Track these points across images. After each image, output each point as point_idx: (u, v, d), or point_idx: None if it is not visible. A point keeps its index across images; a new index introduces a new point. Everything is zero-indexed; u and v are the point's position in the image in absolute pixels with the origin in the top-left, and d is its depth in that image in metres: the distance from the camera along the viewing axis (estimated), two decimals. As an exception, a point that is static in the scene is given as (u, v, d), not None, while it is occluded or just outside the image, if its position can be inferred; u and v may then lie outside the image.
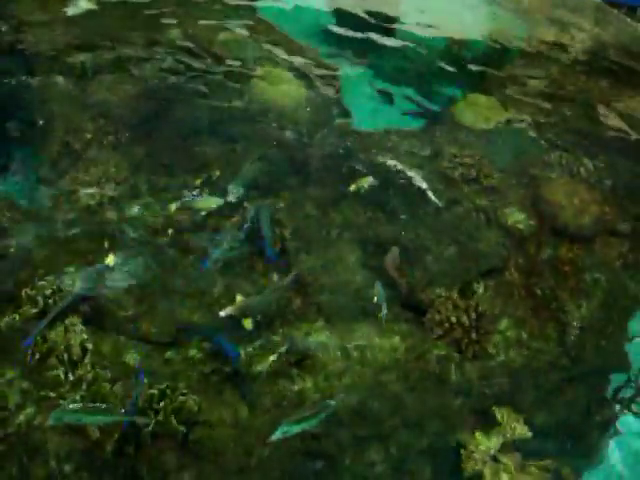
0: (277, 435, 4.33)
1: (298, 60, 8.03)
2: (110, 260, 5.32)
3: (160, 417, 4.58)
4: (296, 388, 5.04)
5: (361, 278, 5.78)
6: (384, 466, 5.22)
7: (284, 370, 5.09)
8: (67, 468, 4.52)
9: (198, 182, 6.15)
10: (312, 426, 4.51)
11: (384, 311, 5.42)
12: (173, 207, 5.87)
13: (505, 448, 5.51)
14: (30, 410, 4.61)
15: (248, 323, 5.13)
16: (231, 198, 5.92)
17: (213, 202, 5.81)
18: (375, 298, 5.48)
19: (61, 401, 4.61)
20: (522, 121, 7.95)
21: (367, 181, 6.35)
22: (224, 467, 4.77)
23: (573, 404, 6.07)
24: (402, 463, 5.28)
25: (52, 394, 4.64)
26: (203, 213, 5.80)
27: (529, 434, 5.48)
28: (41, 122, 6.65)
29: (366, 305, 5.57)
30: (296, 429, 4.40)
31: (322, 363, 5.18)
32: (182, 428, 4.64)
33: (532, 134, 7.79)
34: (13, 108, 6.75)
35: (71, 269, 5.32)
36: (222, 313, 5.08)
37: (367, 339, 5.41)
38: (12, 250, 5.48)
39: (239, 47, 7.97)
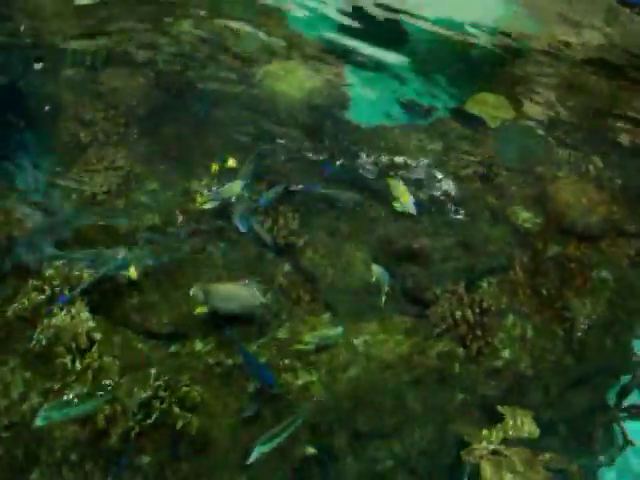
0: (254, 456, 4.37)
1: (307, 53, 8.02)
2: (132, 273, 5.26)
3: (164, 406, 4.62)
4: (300, 382, 5.04)
5: (368, 274, 5.73)
6: (387, 461, 5.23)
7: (289, 364, 5.11)
8: (73, 457, 4.57)
9: (210, 172, 6.09)
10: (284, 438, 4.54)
11: (385, 292, 5.42)
12: (199, 199, 5.83)
13: (509, 444, 5.51)
14: (35, 399, 4.67)
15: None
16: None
17: (237, 187, 5.73)
18: (374, 278, 5.46)
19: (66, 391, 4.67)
20: (531, 119, 7.92)
21: (407, 201, 5.98)
22: (225, 458, 4.78)
23: (578, 403, 6.08)
24: (405, 459, 5.30)
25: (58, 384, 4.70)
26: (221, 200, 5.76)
27: (535, 431, 5.48)
28: (51, 112, 6.67)
29: (372, 301, 5.57)
30: (270, 446, 4.43)
31: (327, 357, 5.20)
32: (185, 418, 4.68)
33: (541, 132, 7.77)
34: (24, 98, 6.77)
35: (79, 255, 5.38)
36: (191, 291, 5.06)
37: (372, 334, 5.41)
38: (20, 239, 5.52)
39: (250, 39, 7.97)
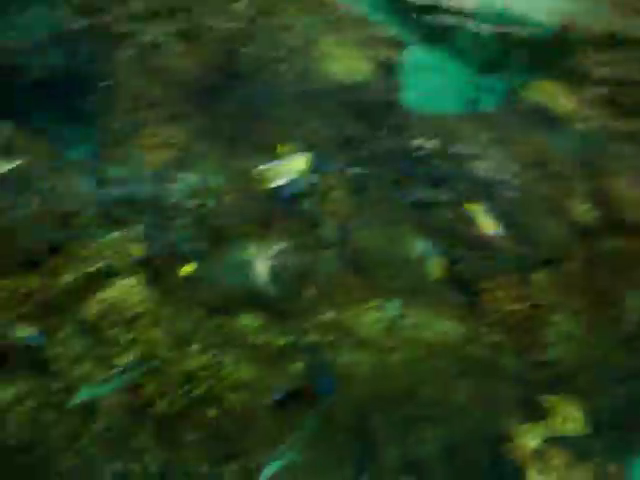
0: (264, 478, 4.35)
1: (363, 36, 7.96)
2: (189, 268, 5.35)
3: (210, 381, 4.68)
4: (347, 361, 5.07)
5: (420, 260, 5.73)
6: (430, 449, 5.19)
7: (335, 343, 5.13)
8: (119, 424, 4.67)
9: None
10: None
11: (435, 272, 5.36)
12: (257, 172, 5.89)
13: (554, 442, 5.43)
14: (87, 366, 4.79)
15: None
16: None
17: (301, 162, 5.75)
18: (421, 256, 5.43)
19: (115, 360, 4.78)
20: (589, 109, 7.74)
21: (491, 226, 5.98)
22: (266, 437, 4.80)
23: (627, 400, 5.94)
24: (448, 447, 5.25)
25: (108, 352, 4.80)
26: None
27: (581, 428, 5.38)
28: (109, 88, 6.78)
29: (423, 286, 5.56)
30: (279, 465, 4.41)
31: (374, 339, 5.20)
32: (230, 394, 4.73)
33: (599, 123, 7.57)
34: (82, 74, 6.91)
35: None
36: None
37: (421, 320, 5.40)
38: (73, 210, 5.67)
39: (306, 21, 7.95)
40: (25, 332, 4.88)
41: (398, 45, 8.11)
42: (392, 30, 8.29)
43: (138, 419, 4.69)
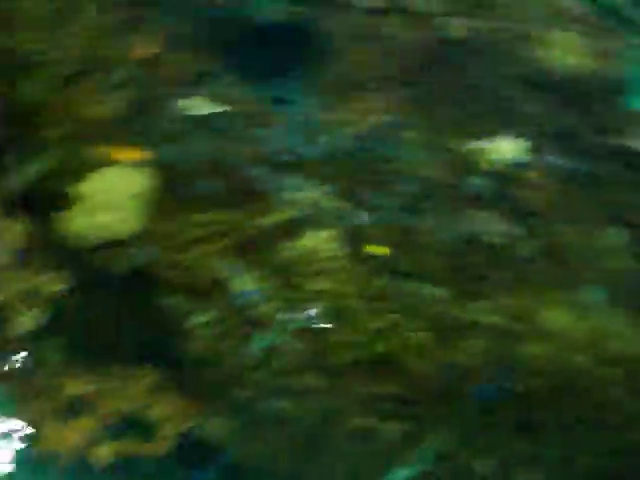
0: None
1: (589, 27, 7.59)
2: (384, 250, 5.44)
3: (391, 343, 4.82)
4: (524, 351, 4.99)
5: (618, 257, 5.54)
6: (594, 457, 5.03)
7: (517, 329, 5.07)
8: (294, 366, 4.90)
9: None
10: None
11: None
12: (466, 151, 5.90)
13: None
14: (273, 306, 5.08)
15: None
16: None
17: (512, 147, 5.71)
18: None
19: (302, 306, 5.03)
20: None
21: None
22: (432, 410, 4.86)
23: None
24: (613, 456, 5.06)
25: (296, 297, 5.07)
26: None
27: None
28: (324, 48, 7.01)
29: (615, 286, 5.35)
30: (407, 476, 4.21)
31: (558, 333, 5.08)
32: (404, 357, 4.83)
33: None
34: (301, 32, 7.19)
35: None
36: None
37: (610, 322, 5.19)
38: (279, 160, 5.97)
39: (526, 8, 7.74)
40: (240, 283, 5.18)
41: (625, 39, 7.69)
42: (620, 23, 7.86)
43: (313, 365, 4.91)
